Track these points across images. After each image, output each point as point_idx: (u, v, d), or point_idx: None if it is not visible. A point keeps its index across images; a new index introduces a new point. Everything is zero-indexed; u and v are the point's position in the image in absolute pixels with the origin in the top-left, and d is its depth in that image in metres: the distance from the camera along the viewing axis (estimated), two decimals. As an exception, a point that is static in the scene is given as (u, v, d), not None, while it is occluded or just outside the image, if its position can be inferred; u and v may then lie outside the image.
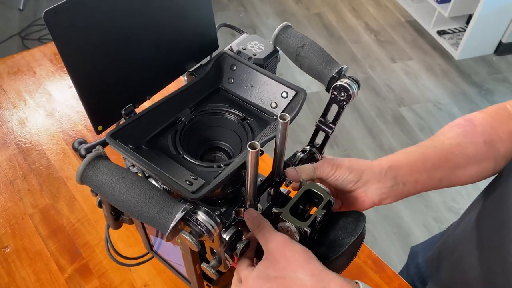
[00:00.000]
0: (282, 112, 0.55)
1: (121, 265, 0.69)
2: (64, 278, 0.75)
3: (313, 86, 2.36)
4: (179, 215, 0.39)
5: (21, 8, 2.80)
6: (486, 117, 0.62)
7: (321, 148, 0.60)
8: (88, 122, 0.97)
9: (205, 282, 0.65)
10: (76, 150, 0.57)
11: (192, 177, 0.47)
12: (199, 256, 0.56)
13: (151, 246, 0.66)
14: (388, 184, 0.55)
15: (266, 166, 0.86)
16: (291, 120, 0.49)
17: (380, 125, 2.30)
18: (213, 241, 0.45)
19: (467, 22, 2.76)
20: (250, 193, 0.50)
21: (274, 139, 0.49)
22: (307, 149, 0.60)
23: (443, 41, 2.76)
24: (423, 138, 2.23)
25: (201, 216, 0.40)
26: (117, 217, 0.65)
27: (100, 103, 0.49)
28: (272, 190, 0.58)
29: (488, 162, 0.61)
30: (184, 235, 0.40)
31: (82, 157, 0.57)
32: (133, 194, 0.40)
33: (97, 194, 0.62)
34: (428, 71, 2.62)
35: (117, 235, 0.79)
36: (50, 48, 1.18)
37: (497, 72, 2.64)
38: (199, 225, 0.39)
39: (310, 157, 0.60)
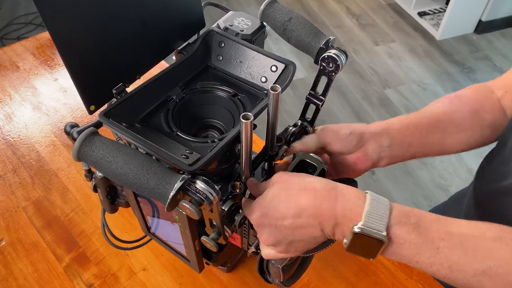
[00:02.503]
0: (272, 86, 0.56)
1: (118, 248, 0.69)
2: (62, 267, 0.75)
3: (298, 73, 2.37)
4: (178, 184, 0.39)
5: (-2, 7, 2.74)
6: (470, 91, 0.65)
7: (312, 122, 0.61)
8: (77, 114, 0.96)
9: (204, 260, 0.65)
10: (68, 133, 0.57)
11: (187, 151, 0.48)
12: (197, 233, 0.57)
13: (148, 228, 0.66)
14: (385, 143, 0.57)
15: (258, 149, 0.86)
16: (281, 91, 0.50)
17: (366, 107, 2.32)
18: (211, 211, 0.45)
19: (447, 3, 2.79)
20: (245, 166, 0.50)
21: (266, 111, 0.50)
22: (299, 123, 0.61)
23: (424, 22, 2.79)
24: (409, 119, 2.26)
25: (200, 184, 0.40)
26: (112, 200, 0.65)
27: (91, 82, 0.49)
28: (266, 164, 0.59)
29: (475, 130, 0.63)
30: (185, 204, 0.40)
31: (75, 139, 0.56)
32: (131, 166, 0.40)
33: (91, 179, 0.63)
34: (410, 53, 2.65)
35: (112, 222, 0.79)
36: (32, 42, 1.16)
37: (478, 50, 2.68)
38: (198, 193, 0.40)
39: (302, 131, 0.61)
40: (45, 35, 1.19)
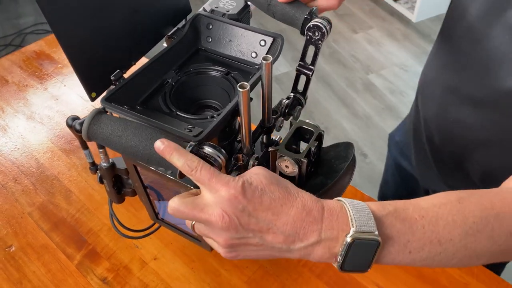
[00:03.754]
0: (263, 60, 0.58)
1: (128, 238, 0.70)
2: (74, 265, 0.76)
3: (282, 67, 2.40)
4: (187, 150, 0.41)
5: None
6: None
7: (304, 93, 0.64)
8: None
9: (213, 240, 0.67)
10: (70, 126, 0.58)
11: (190, 126, 0.50)
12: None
13: (156, 214, 0.68)
14: None
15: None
16: (273, 62, 0.52)
17: (351, 94, 2.36)
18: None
19: (419, -15, 2.85)
20: (245, 137, 0.53)
21: (260, 84, 0.52)
22: (291, 95, 0.63)
23: (399, 7, 2.84)
24: (393, 101, 2.31)
25: (208, 149, 0.43)
26: (119, 190, 0.67)
27: (90, 70, 0.50)
28: (264, 137, 0.61)
29: None
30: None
31: (78, 131, 0.58)
32: (140, 138, 0.42)
33: (96, 171, 0.64)
34: (389, 37, 2.70)
35: (119, 217, 0.81)
36: (18, 56, 1.17)
37: (454, 29, 2.74)
38: (207, 157, 0.42)
39: (295, 102, 0.63)
40: (30, 47, 1.20)
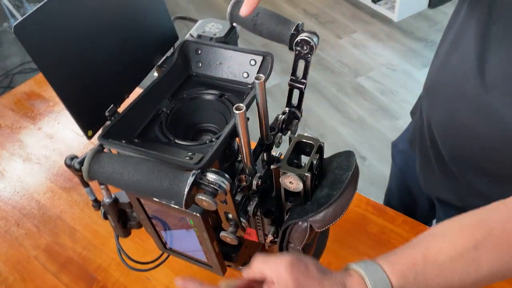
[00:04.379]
0: (255, 79, 0.58)
1: (138, 271, 0.69)
2: (86, 304, 0.75)
3: (272, 80, 2.41)
4: (190, 180, 0.41)
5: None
6: None
7: (299, 106, 0.64)
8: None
9: (226, 263, 0.66)
10: (69, 166, 0.58)
11: (190, 154, 0.50)
12: (214, 234, 0.58)
13: (164, 244, 0.67)
14: None
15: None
16: (265, 80, 0.52)
17: (343, 99, 2.36)
18: (226, 202, 0.47)
19: (396, -15, 2.89)
20: (246, 157, 0.52)
21: (255, 102, 0.52)
22: (287, 110, 0.63)
23: (379, 8, 2.88)
24: (385, 101, 2.32)
25: (211, 176, 0.42)
26: (124, 224, 0.66)
27: (84, 108, 0.50)
28: (265, 155, 0.61)
29: None
30: (200, 197, 0.42)
31: (78, 170, 0.58)
32: (142, 173, 0.42)
33: (99, 207, 0.64)
34: (373, 39, 2.72)
35: (126, 249, 0.80)
36: (8, 98, 1.17)
37: (436, 24, 2.77)
38: (211, 184, 0.42)
39: (291, 116, 0.63)
40: (20, 89, 1.20)
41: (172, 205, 0.54)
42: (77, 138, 1.04)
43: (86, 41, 0.49)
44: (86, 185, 0.61)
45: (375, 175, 1.97)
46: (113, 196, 0.61)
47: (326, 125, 2.23)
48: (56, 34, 0.45)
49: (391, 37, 2.71)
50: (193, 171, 0.42)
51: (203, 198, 0.42)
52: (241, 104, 0.45)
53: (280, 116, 0.62)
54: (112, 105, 0.53)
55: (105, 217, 0.64)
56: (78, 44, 0.48)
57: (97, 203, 0.63)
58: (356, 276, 0.48)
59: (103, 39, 0.52)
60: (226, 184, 0.42)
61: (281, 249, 0.61)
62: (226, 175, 0.43)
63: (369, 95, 2.36)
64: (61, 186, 0.94)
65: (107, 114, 0.53)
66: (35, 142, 1.04)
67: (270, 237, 0.59)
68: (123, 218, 0.65)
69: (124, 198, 0.62)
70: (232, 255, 0.66)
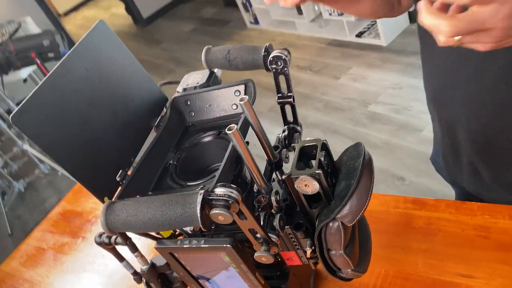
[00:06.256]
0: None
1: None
2: None
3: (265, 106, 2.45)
4: (199, 198, 0.42)
5: (10, 233, 2.88)
6: None
7: (296, 120, 0.65)
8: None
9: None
10: (100, 243, 0.60)
11: (201, 187, 0.51)
12: (254, 265, 0.57)
13: (214, 298, 0.66)
14: None
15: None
16: (252, 102, 0.55)
17: (361, 130, 2.36)
18: (245, 217, 0.47)
19: (373, 15, 3.00)
20: (256, 175, 0.53)
21: (250, 124, 0.54)
22: (285, 128, 0.65)
23: (365, 39, 2.97)
24: (402, 119, 2.31)
25: (219, 190, 0.43)
26: (169, 287, 0.66)
27: (94, 178, 0.53)
28: (277, 173, 0.61)
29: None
30: (215, 211, 0.43)
31: (108, 244, 0.59)
32: (155, 208, 0.43)
33: (141, 278, 0.64)
34: (370, 68, 2.78)
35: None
36: (45, 224, 1.23)
37: (424, 34, 2.82)
38: (221, 197, 0.43)
39: (291, 132, 0.65)
40: (54, 211, 1.25)
41: (202, 246, 0.54)
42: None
43: (82, 118, 0.54)
44: (121, 259, 0.63)
45: (419, 192, 1.90)
46: (149, 262, 0.62)
47: (354, 160, 2.21)
48: (51, 116, 0.50)
49: (386, 61, 2.77)
50: (200, 191, 0.43)
51: (217, 211, 0.43)
52: (232, 125, 0.47)
53: (280, 135, 0.64)
54: (121, 170, 0.56)
55: (149, 286, 0.64)
56: (74, 121, 0.53)
57: (137, 276, 0.64)
58: None
59: (98, 113, 0.56)
60: (235, 194, 0.43)
61: (324, 261, 0.59)
62: (234, 186, 0.44)
63: (385, 118, 2.36)
64: None
65: (118, 179, 0.55)
66: (83, 255, 1.07)
67: (309, 250, 0.58)
68: (166, 283, 0.65)
69: (160, 260, 0.63)
70: (282, 287, 0.64)
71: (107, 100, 0.58)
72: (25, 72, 2.92)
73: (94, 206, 1.20)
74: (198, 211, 0.42)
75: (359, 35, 3.00)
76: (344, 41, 3.11)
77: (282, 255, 0.62)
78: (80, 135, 0.53)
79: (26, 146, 3.03)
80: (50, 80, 0.50)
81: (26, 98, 0.47)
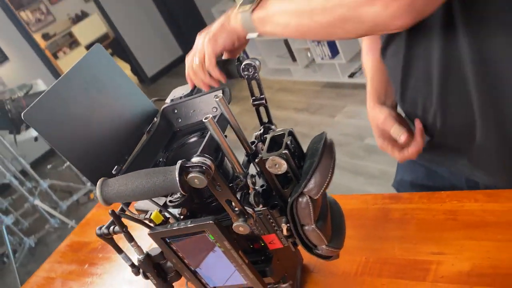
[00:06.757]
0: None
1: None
2: None
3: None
4: (178, 166, 0.50)
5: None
6: None
7: (270, 121, 0.74)
8: None
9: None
10: (100, 235, 0.67)
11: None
12: (237, 245, 0.64)
13: (205, 286, 0.72)
14: None
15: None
16: (228, 102, 0.64)
17: (359, 163, 2.44)
18: (220, 187, 0.55)
19: (363, 56, 3.17)
20: (232, 160, 0.61)
21: (223, 117, 0.63)
22: (261, 127, 0.74)
23: (357, 79, 3.12)
24: (399, 148, 2.38)
25: (195, 159, 0.51)
26: (164, 278, 0.72)
27: (94, 171, 0.62)
28: (254, 163, 0.69)
29: None
30: (191, 175, 0.50)
31: (108, 235, 0.67)
32: (141, 178, 0.51)
33: (138, 270, 0.70)
34: (364, 104, 2.87)
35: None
36: (53, 256, 1.29)
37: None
38: (196, 164, 0.51)
39: (266, 130, 0.73)
40: (62, 244, 1.32)
41: (189, 225, 0.61)
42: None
43: (83, 121, 0.63)
44: (120, 251, 0.69)
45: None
46: (145, 251, 0.69)
47: (354, 191, 2.26)
48: (58, 115, 0.60)
49: (378, 97, 2.89)
50: (179, 162, 0.51)
51: (192, 175, 0.50)
52: (207, 115, 0.57)
53: (257, 134, 0.73)
54: (116, 166, 0.65)
55: (145, 277, 0.70)
56: (77, 123, 0.62)
57: (135, 268, 0.70)
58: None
59: (97, 117, 0.66)
60: (208, 161, 0.51)
61: (300, 238, 0.65)
62: (208, 156, 0.52)
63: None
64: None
65: (114, 172, 0.64)
66: (91, 279, 1.13)
67: (284, 227, 0.64)
68: (161, 273, 0.71)
69: (155, 251, 0.69)
70: (266, 269, 0.69)
71: (105, 109, 0.68)
72: (36, 130, 3.08)
73: (99, 235, 1.27)
74: (177, 176, 0.50)
75: (351, 75, 3.15)
76: (337, 83, 3.26)
77: (264, 239, 0.69)
78: (82, 135, 0.63)
79: (37, 202, 3.12)
80: (54, 88, 0.60)
81: (36, 100, 0.57)
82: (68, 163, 3.30)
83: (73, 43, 6.87)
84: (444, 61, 0.69)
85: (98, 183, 0.53)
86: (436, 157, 0.89)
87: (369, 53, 0.93)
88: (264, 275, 0.69)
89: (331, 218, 0.67)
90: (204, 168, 0.51)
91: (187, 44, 5.16)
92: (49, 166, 3.64)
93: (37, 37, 5.77)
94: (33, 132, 3.11)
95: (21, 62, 4.77)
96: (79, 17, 6.32)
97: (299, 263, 0.81)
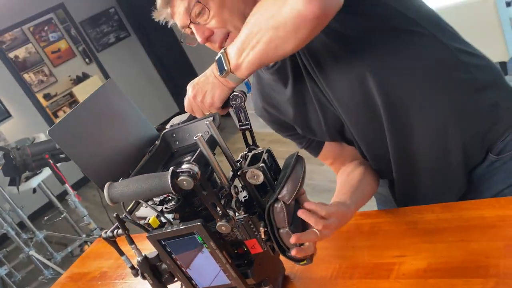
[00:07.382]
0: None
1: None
2: None
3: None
4: (170, 171, 0.63)
5: None
6: None
7: (255, 143, 0.87)
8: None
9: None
10: (105, 238, 0.78)
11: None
12: (222, 246, 0.74)
13: (195, 287, 0.81)
14: None
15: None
16: (217, 126, 0.78)
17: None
18: (205, 189, 0.66)
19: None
20: (219, 173, 0.74)
21: (213, 138, 0.77)
22: (246, 149, 0.86)
23: (344, 131, 3.29)
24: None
25: (184, 166, 0.64)
26: (159, 279, 0.81)
27: (104, 181, 0.73)
28: (241, 180, 0.81)
29: None
30: (180, 177, 0.63)
31: (112, 237, 0.77)
32: (141, 181, 0.63)
33: (137, 271, 0.80)
34: (351, 154, 3.04)
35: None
36: (55, 286, 1.36)
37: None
38: (185, 170, 0.63)
39: (250, 152, 0.86)
40: (64, 275, 1.39)
41: (181, 227, 0.72)
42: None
43: (97, 140, 0.77)
44: (122, 253, 0.80)
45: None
46: (143, 254, 0.79)
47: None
48: (78, 133, 0.73)
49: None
50: (171, 167, 0.64)
51: (182, 178, 0.63)
52: (198, 134, 0.70)
53: (242, 154, 0.86)
54: (121, 178, 0.77)
55: (143, 277, 0.80)
56: (91, 142, 0.75)
57: (134, 270, 0.80)
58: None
59: (108, 139, 0.79)
60: (196, 168, 0.64)
61: (276, 241, 0.75)
62: (196, 164, 0.65)
63: (368, 195, 2.55)
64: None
65: (120, 182, 0.76)
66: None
67: (262, 230, 0.75)
68: (157, 275, 0.81)
69: (151, 254, 0.79)
70: (248, 271, 0.79)
71: (115, 131, 0.81)
72: (35, 180, 3.19)
73: (101, 265, 1.34)
74: (169, 180, 0.62)
75: (339, 127, 3.33)
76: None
77: (247, 244, 0.79)
78: (95, 151, 0.76)
79: (32, 252, 3.15)
80: (74, 112, 0.74)
81: (59, 121, 0.70)
82: (65, 213, 3.35)
83: (73, 102, 7.13)
84: None
85: (106, 185, 0.65)
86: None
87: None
88: (246, 277, 0.79)
89: (303, 225, 0.78)
90: (191, 172, 0.63)
91: (183, 102, 5.37)
92: (46, 218, 3.69)
93: (39, 97, 6.01)
94: (32, 183, 3.21)
95: (23, 120, 4.98)
96: (80, 79, 6.61)
97: (281, 272, 0.91)
